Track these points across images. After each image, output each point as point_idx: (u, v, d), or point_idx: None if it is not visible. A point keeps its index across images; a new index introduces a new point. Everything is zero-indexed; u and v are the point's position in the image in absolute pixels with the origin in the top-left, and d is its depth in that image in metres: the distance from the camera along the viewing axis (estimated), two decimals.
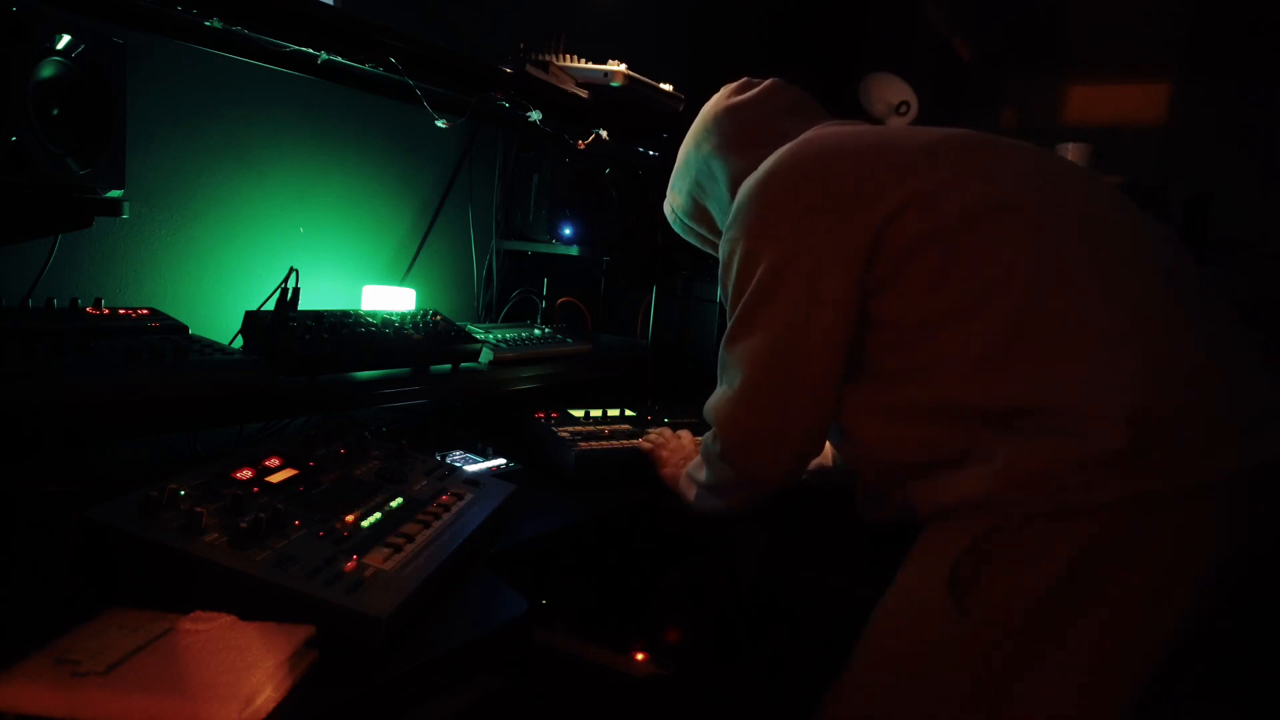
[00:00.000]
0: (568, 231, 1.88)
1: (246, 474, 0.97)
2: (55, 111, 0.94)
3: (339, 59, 1.30)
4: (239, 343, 1.21)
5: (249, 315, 1.22)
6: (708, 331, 1.92)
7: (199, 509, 0.83)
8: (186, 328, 1.17)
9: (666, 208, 1.34)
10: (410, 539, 0.92)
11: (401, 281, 1.77)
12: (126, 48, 1.02)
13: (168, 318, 1.16)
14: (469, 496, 1.09)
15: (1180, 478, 0.80)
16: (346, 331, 1.27)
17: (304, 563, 0.81)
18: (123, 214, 1.06)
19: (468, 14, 1.73)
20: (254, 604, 0.77)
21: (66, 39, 0.94)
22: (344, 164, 1.62)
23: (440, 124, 1.43)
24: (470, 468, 1.29)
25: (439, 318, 1.48)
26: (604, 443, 1.44)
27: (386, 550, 0.87)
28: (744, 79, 1.23)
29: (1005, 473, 0.85)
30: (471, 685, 0.95)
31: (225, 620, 0.75)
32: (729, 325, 1.06)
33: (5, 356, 0.86)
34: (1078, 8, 2.78)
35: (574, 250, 1.86)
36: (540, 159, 1.91)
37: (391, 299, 1.62)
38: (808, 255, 0.98)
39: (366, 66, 1.33)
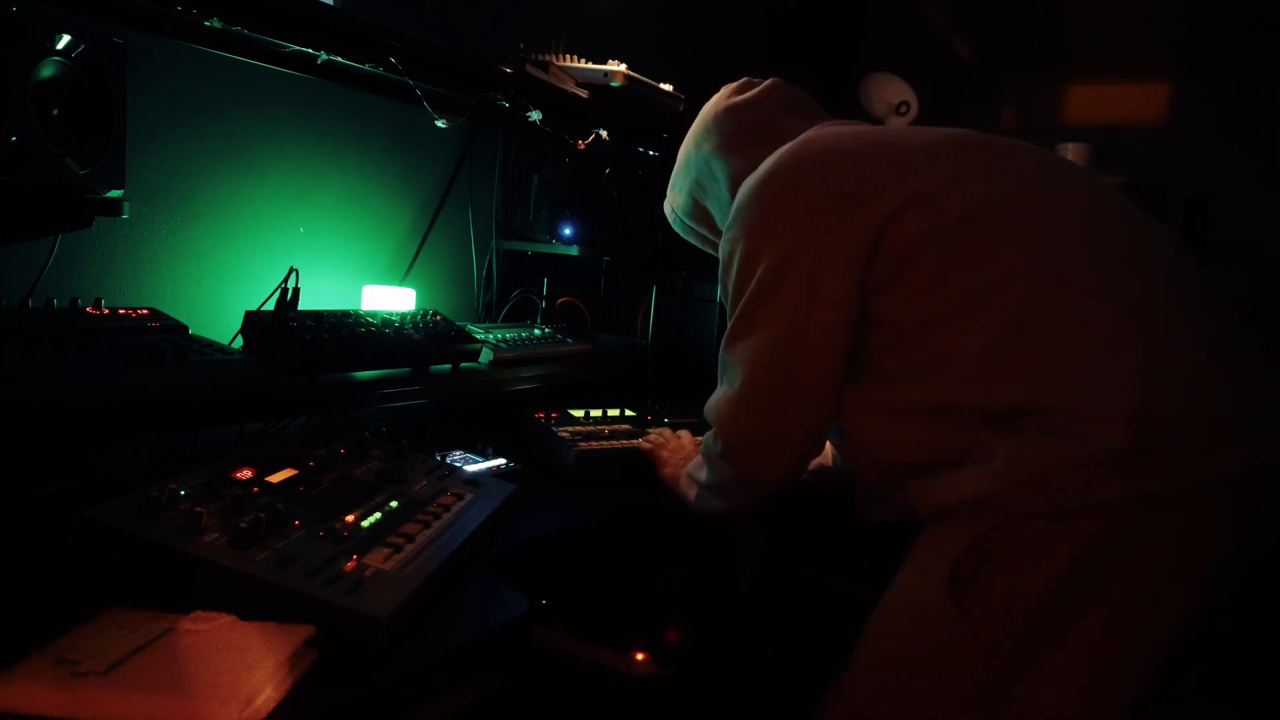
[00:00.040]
0: (568, 231, 1.88)
1: (246, 474, 0.97)
2: (55, 111, 0.94)
3: (339, 59, 1.30)
4: (239, 343, 1.21)
5: (249, 315, 1.22)
6: (708, 331, 1.92)
7: (199, 509, 0.83)
8: (186, 328, 1.17)
9: (667, 208, 1.34)
10: (410, 539, 0.92)
11: (401, 281, 1.77)
12: (126, 48, 1.02)
13: (168, 318, 1.16)
14: (469, 496, 1.09)
15: (1180, 478, 0.80)
16: (346, 331, 1.27)
17: (304, 563, 0.81)
18: (123, 214, 1.06)
19: (468, 14, 1.73)
20: (254, 604, 0.77)
21: (66, 39, 0.94)
22: (344, 164, 1.62)
23: (440, 124, 1.43)
24: (470, 468, 1.29)
25: (439, 318, 1.48)
26: (604, 443, 1.44)
27: (386, 550, 0.87)
28: (744, 79, 1.23)
29: (1005, 473, 0.85)
30: (471, 685, 0.95)
31: (225, 620, 0.75)
32: (729, 325, 1.06)
33: (5, 356, 0.86)
34: (1078, 8, 2.78)
35: (574, 250, 1.86)
36: (540, 159, 1.91)
37: (391, 299, 1.62)
38: (808, 255, 0.98)
39: (366, 66, 1.33)
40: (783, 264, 0.99)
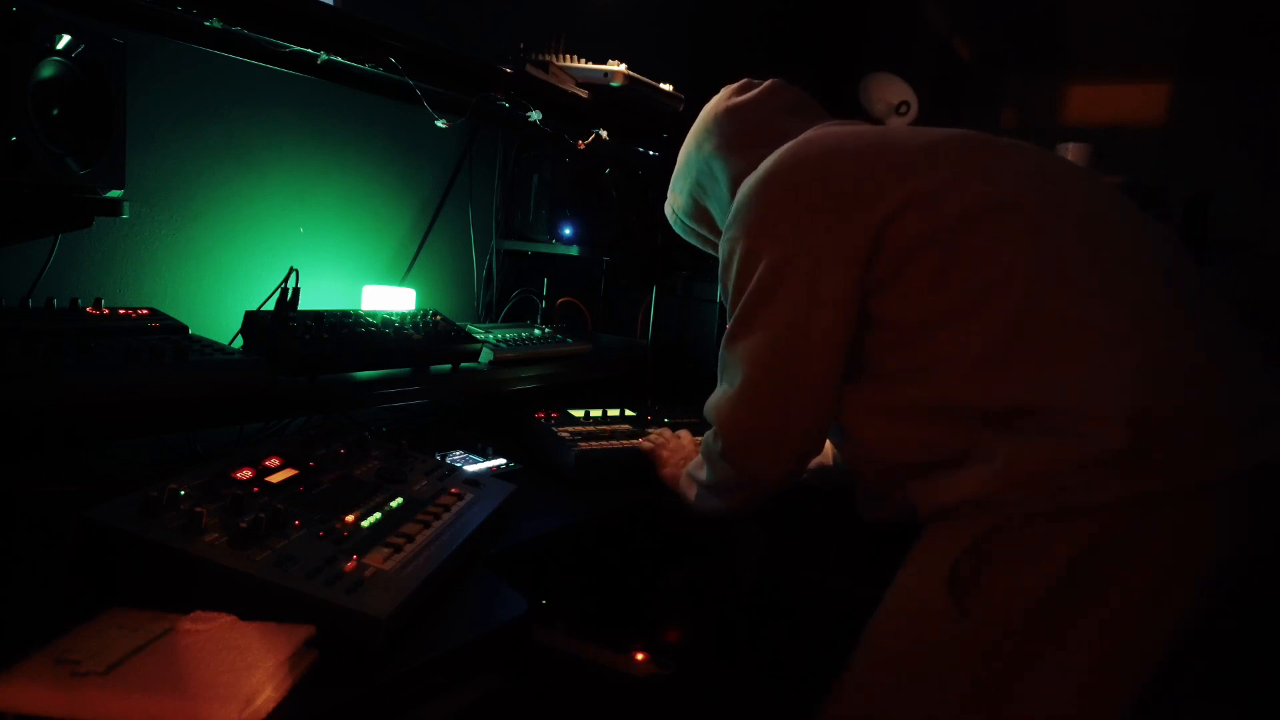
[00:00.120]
0: (568, 231, 1.88)
1: (246, 474, 0.97)
2: (55, 111, 0.94)
3: (339, 59, 1.30)
4: (239, 343, 1.21)
5: (249, 315, 1.22)
6: (708, 331, 1.92)
7: (199, 509, 0.83)
8: (186, 328, 1.17)
9: (667, 208, 1.34)
10: (410, 539, 0.92)
11: (401, 281, 1.77)
12: (126, 48, 1.02)
13: (168, 318, 1.16)
14: (469, 496, 1.09)
15: (1180, 478, 0.80)
16: (346, 331, 1.27)
17: (304, 563, 0.81)
18: (123, 214, 1.06)
19: (468, 14, 1.73)
20: (254, 604, 0.77)
21: (66, 39, 0.94)
22: (344, 164, 1.62)
23: (440, 124, 1.43)
24: (470, 468, 1.29)
25: (439, 318, 1.48)
26: (604, 443, 1.44)
27: (386, 550, 0.87)
28: (745, 80, 1.23)
29: (1005, 473, 0.85)
30: (471, 685, 0.95)
31: (225, 620, 0.75)
32: (729, 324, 1.07)
33: (5, 356, 0.86)
34: (1078, 8, 2.78)
35: (574, 250, 1.86)
36: (540, 159, 1.91)
37: (391, 299, 1.62)
38: (808, 255, 0.98)
39: (366, 66, 1.33)
40: (783, 263, 0.99)
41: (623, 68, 1.68)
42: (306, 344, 1.17)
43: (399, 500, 1.02)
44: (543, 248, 1.91)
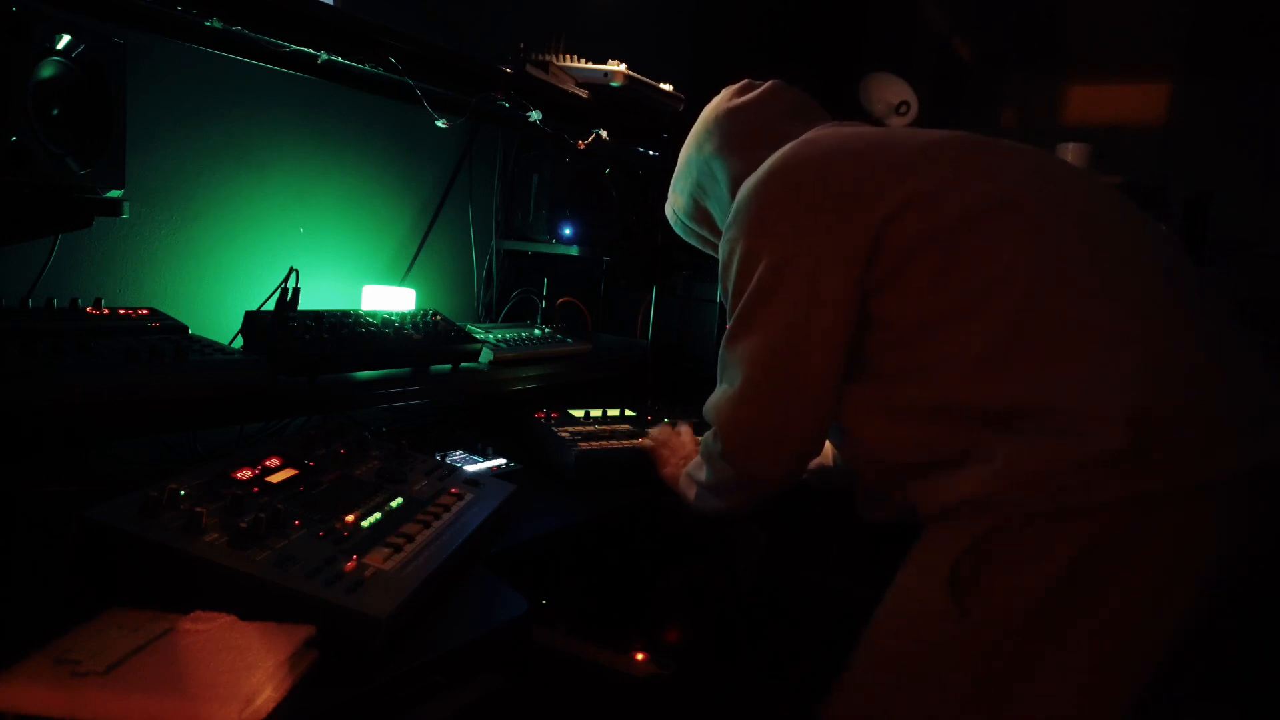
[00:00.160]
0: (568, 231, 1.88)
1: (246, 474, 0.97)
2: (55, 111, 0.94)
3: (339, 59, 1.30)
4: (239, 343, 1.21)
5: (249, 315, 1.22)
6: (708, 331, 1.93)
7: (199, 509, 0.83)
8: (186, 328, 1.17)
9: (668, 209, 1.34)
10: (410, 539, 0.92)
11: (401, 281, 1.77)
12: (126, 48, 1.02)
13: (168, 318, 1.16)
14: (469, 496, 1.09)
15: (1180, 478, 0.80)
16: (346, 331, 1.27)
17: (304, 563, 0.81)
18: (123, 214, 1.06)
19: (468, 14, 1.73)
20: (254, 604, 0.77)
21: (66, 39, 0.94)
22: (344, 164, 1.62)
23: (440, 124, 1.43)
24: (470, 468, 1.29)
25: (439, 318, 1.48)
26: (604, 443, 1.44)
27: (386, 550, 0.87)
28: (745, 81, 1.23)
29: (1005, 473, 0.85)
30: (471, 685, 0.95)
31: (225, 620, 0.75)
32: (729, 325, 1.06)
33: (5, 356, 0.86)
34: (1078, 8, 2.78)
35: (574, 250, 1.86)
36: (540, 159, 1.91)
37: (391, 299, 1.62)
38: (808, 255, 0.98)
39: (366, 66, 1.33)
40: (783, 263, 0.99)
41: (623, 68, 1.68)
42: (306, 344, 1.17)
43: (399, 500, 1.02)
44: (543, 248, 1.91)
